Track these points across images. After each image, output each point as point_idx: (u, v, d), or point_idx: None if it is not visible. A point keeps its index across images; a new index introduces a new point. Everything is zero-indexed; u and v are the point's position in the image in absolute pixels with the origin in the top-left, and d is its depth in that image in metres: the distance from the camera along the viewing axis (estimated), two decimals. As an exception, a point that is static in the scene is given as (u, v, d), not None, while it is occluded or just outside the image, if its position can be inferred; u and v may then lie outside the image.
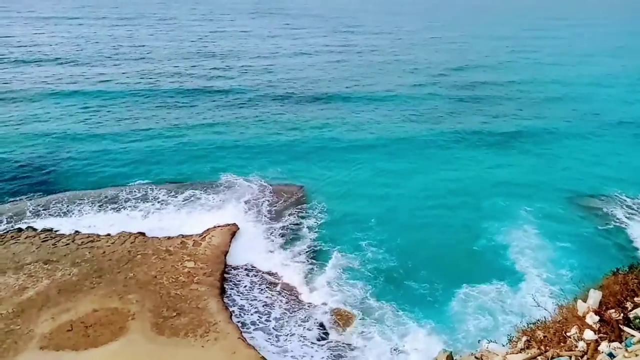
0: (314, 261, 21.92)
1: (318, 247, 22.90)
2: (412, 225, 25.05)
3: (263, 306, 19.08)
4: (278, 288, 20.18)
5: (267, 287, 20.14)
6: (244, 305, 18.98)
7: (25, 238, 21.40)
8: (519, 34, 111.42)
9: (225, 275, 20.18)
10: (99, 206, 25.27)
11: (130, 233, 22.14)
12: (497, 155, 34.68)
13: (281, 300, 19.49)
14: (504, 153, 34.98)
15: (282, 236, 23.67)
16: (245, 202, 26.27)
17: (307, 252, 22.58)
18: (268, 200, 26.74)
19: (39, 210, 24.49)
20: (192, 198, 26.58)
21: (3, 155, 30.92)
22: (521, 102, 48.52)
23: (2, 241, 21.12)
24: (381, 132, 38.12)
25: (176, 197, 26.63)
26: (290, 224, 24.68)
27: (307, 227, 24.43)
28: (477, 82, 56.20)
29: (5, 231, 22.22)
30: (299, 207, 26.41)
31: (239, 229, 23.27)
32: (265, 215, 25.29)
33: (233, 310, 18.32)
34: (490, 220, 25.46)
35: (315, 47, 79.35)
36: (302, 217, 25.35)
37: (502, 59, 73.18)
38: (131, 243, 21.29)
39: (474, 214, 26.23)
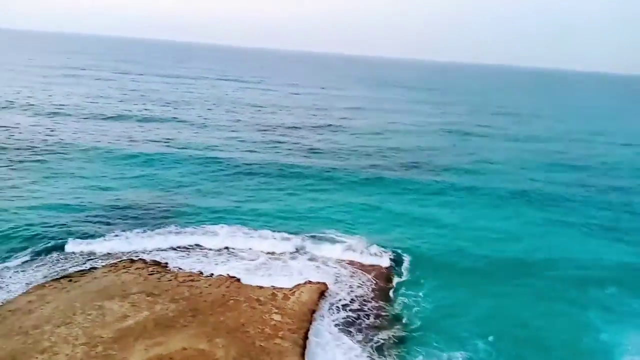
0: (407, 350, 19.80)
1: (413, 333, 20.99)
2: (519, 316, 22.82)
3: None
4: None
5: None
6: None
7: (135, 269, 23.16)
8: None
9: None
10: (207, 248, 27.00)
11: (227, 277, 23.01)
12: (615, 240, 31.34)
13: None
14: (621, 238, 31.54)
15: (373, 310, 22.23)
16: (341, 264, 26.10)
17: (399, 336, 20.60)
18: (364, 266, 26.10)
19: (154, 244, 26.66)
20: (289, 251, 27.21)
21: (134, 195, 34.50)
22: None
23: (115, 269, 23.11)
24: (502, 217, 35.37)
25: (274, 249, 27.41)
26: (384, 298, 23.37)
27: (404, 305, 22.95)
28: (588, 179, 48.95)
29: (120, 260, 24.36)
30: (399, 281, 25.28)
31: (327, 289, 23.07)
32: (359, 281, 24.60)
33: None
34: (605, 316, 22.84)
35: (433, 125, 78.30)
36: (400, 294, 24.01)
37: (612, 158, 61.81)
38: (226, 287, 22.01)
39: (589, 306, 23.74)
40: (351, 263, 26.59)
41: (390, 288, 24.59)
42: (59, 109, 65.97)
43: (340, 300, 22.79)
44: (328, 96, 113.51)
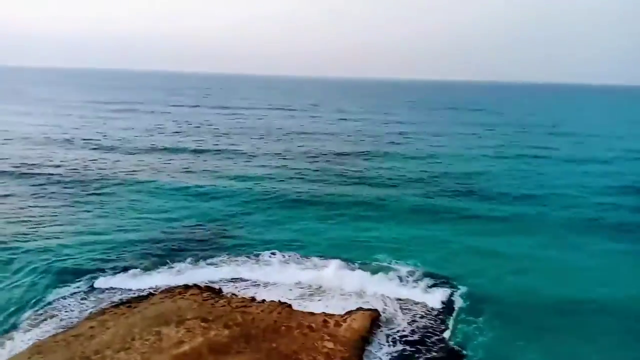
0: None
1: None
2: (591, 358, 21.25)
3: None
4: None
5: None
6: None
7: (190, 295, 23.58)
8: None
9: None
10: (259, 275, 27.44)
11: (278, 303, 23.00)
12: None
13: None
14: None
15: (430, 344, 21.22)
16: (394, 294, 25.47)
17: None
18: (418, 298, 25.18)
19: (206, 274, 27.36)
20: (340, 279, 26.86)
21: (188, 227, 35.51)
22: None
23: (172, 295, 23.66)
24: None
25: (325, 276, 27.23)
26: (441, 331, 22.36)
27: (463, 339, 21.79)
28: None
29: (176, 286, 25.00)
30: (456, 314, 24.04)
31: (380, 315, 22.62)
32: (413, 312, 23.84)
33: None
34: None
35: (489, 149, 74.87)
36: (458, 327, 22.81)
37: None
38: (278, 313, 21.95)
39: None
40: (404, 293, 25.76)
41: (447, 321, 23.45)
42: (117, 143, 69.66)
43: (397, 331, 22.18)
44: (376, 121, 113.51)
